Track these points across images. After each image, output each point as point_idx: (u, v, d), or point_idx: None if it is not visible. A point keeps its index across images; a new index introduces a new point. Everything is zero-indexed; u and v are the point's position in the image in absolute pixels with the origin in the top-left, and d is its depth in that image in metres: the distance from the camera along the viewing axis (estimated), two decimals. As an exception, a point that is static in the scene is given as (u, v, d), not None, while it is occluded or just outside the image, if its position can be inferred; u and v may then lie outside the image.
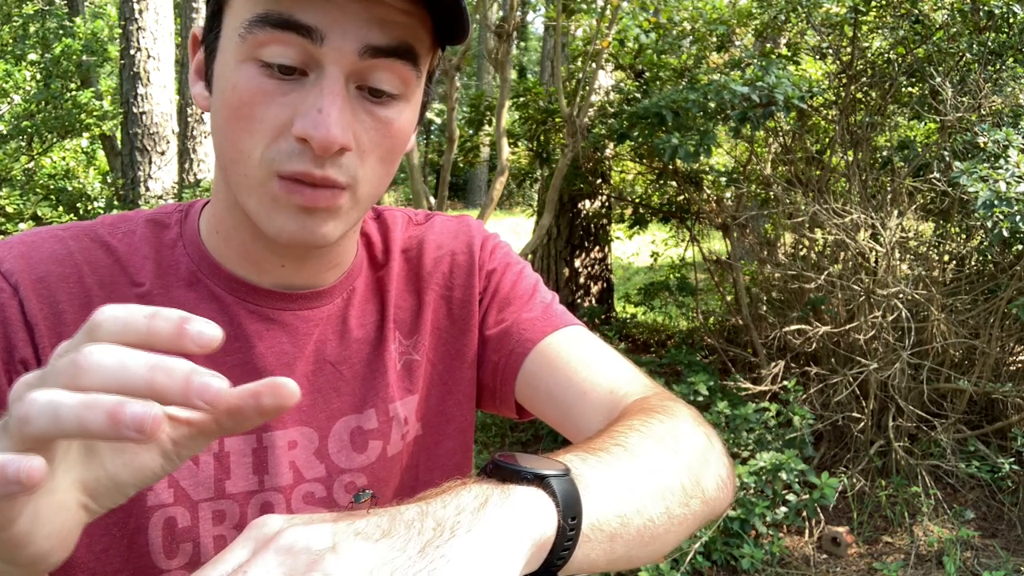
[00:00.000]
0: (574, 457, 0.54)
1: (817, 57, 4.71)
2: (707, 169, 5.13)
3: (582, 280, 6.29)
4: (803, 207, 4.15)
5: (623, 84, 5.62)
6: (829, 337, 4.10)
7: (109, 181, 6.74)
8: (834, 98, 4.42)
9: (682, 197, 5.41)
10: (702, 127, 3.93)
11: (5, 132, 5.96)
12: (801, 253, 4.73)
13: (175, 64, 6.54)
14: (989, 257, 4.07)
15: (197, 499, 0.68)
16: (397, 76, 0.64)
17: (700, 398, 3.98)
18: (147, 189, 6.22)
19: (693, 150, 3.76)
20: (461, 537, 0.41)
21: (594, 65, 4.55)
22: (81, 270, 0.69)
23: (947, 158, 3.79)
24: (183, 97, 6.70)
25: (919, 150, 4.16)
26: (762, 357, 4.46)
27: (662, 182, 5.53)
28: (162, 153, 6.32)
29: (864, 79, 4.31)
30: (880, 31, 4.29)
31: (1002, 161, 3.21)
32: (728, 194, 5.19)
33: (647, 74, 5.22)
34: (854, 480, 3.77)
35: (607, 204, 6.24)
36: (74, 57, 6.33)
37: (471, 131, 5.65)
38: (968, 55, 3.99)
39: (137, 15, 6.18)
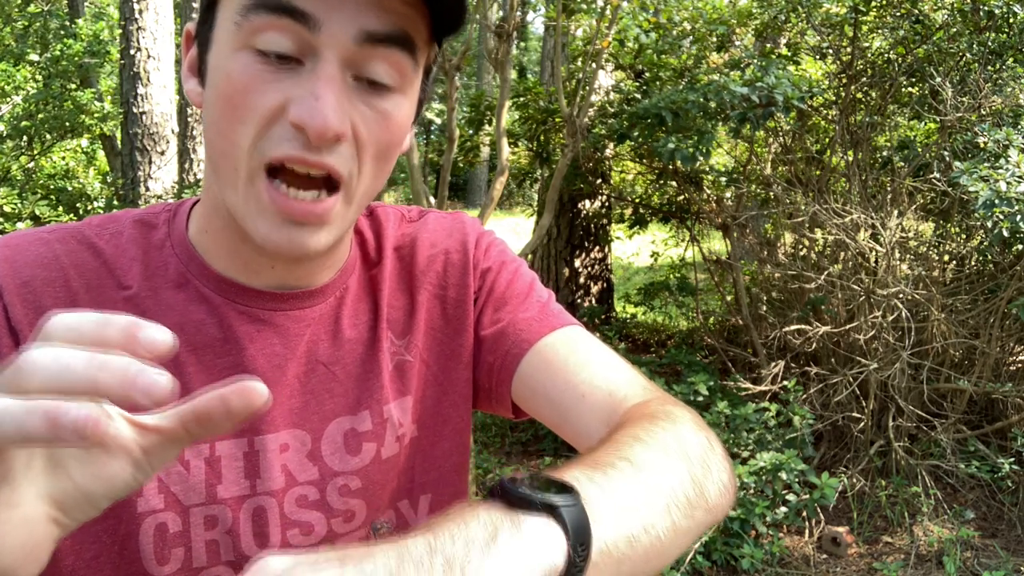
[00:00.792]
0: (580, 475, 0.52)
1: (817, 57, 4.71)
2: (707, 169, 5.12)
3: (582, 280, 6.29)
4: (803, 207, 4.15)
5: (623, 84, 5.62)
6: (829, 337, 4.09)
7: (109, 181, 6.74)
8: (834, 98, 4.41)
9: (682, 197, 5.41)
10: (701, 128, 3.92)
11: (5, 133, 5.95)
12: (801, 253, 4.73)
13: (175, 64, 6.53)
14: (989, 257, 4.07)
15: (188, 504, 0.67)
16: (394, 67, 0.63)
17: (700, 398, 3.98)
18: (147, 189, 6.22)
19: (691, 153, 3.75)
20: None
21: (594, 65, 4.55)
22: (67, 273, 0.67)
23: (947, 158, 3.78)
24: (183, 97, 6.69)
25: (919, 150, 4.15)
26: (762, 357, 4.46)
27: (662, 182, 5.53)
28: (162, 153, 6.31)
29: (864, 79, 4.31)
30: (880, 31, 4.29)
31: (1002, 161, 3.21)
32: (728, 194, 5.19)
33: (647, 74, 5.22)
34: (854, 480, 3.77)
35: (607, 204, 6.24)
36: (75, 58, 6.32)
37: (471, 131, 5.64)
38: (968, 55, 3.99)
39: (137, 15, 6.18)
